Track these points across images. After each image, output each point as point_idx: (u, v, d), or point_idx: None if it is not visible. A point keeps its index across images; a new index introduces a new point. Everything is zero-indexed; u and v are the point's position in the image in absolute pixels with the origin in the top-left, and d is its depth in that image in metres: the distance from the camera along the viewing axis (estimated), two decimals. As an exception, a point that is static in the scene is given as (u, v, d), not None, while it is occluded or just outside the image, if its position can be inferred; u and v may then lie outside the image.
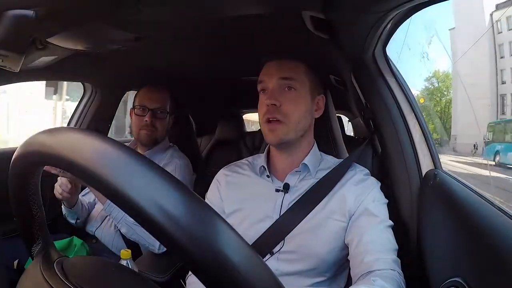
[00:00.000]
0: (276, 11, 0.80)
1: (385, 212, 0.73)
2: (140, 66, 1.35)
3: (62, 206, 1.15)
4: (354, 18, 0.69)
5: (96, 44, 0.94)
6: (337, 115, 1.06)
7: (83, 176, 0.26)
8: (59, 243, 1.04)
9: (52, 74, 1.24)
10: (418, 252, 0.75)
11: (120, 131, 5.19)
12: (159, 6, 0.74)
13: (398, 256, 0.67)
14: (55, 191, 1.06)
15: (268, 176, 0.80)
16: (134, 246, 1.11)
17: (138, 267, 0.87)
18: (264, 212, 0.77)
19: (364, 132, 1.89)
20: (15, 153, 0.33)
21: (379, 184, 0.78)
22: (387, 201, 0.76)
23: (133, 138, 1.32)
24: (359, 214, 0.72)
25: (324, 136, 0.94)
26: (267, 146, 0.84)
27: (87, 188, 1.25)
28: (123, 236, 1.14)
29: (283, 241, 0.73)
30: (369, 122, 1.06)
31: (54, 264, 0.37)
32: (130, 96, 1.91)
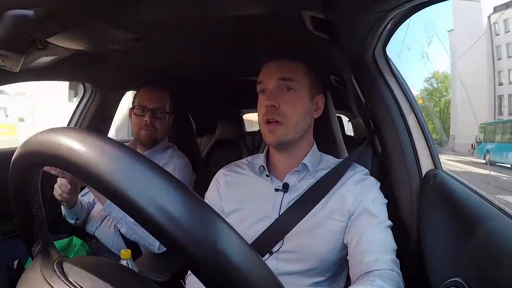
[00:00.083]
0: (276, 11, 0.80)
1: (385, 212, 0.73)
2: (140, 66, 1.35)
3: (62, 207, 1.15)
4: (354, 18, 0.70)
5: (96, 44, 0.94)
6: (337, 115, 1.06)
7: (83, 176, 0.26)
8: (59, 243, 1.04)
9: (52, 74, 1.24)
10: (418, 252, 0.75)
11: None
12: (159, 6, 0.74)
13: (398, 256, 0.67)
14: (54, 192, 1.05)
15: (267, 176, 0.80)
16: (134, 246, 1.11)
17: (138, 267, 0.87)
18: (264, 212, 0.77)
19: (364, 132, 1.89)
20: (15, 153, 0.33)
21: (379, 184, 0.78)
22: (386, 201, 0.76)
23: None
24: (358, 214, 0.72)
25: (324, 136, 0.94)
26: (267, 146, 0.84)
27: (86, 188, 1.25)
28: (123, 236, 1.14)
29: (282, 240, 0.73)
30: (369, 122, 1.06)
31: (54, 264, 0.37)
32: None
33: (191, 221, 0.23)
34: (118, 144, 0.26)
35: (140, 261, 1.09)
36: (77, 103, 1.54)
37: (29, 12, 0.63)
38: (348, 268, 0.72)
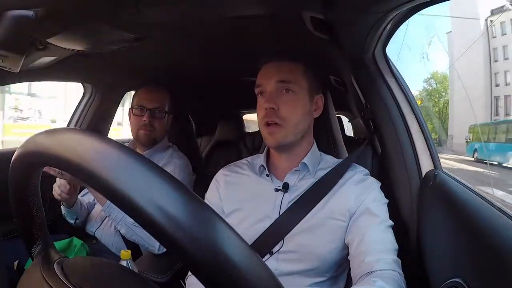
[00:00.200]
0: (276, 11, 0.80)
1: (386, 212, 0.73)
2: (140, 66, 1.35)
3: (61, 206, 1.15)
4: (354, 18, 0.70)
5: (96, 45, 0.94)
6: (337, 115, 1.06)
7: (82, 176, 0.26)
8: (59, 244, 1.04)
9: (52, 75, 1.24)
10: (418, 253, 0.75)
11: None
12: (159, 6, 0.74)
13: (398, 256, 0.67)
14: (53, 192, 1.05)
15: (267, 176, 0.80)
16: (134, 247, 1.11)
17: (138, 268, 0.87)
18: (264, 212, 0.77)
19: (364, 133, 1.89)
20: (15, 154, 0.33)
21: (379, 184, 0.78)
22: (387, 201, 0.76)
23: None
24: (359, 214, 0.72)
25: (324, 136, 0.94)
26: (267, 146, 0.84)
27: (86, 188, 1.25)
28: (123, 237, 1.14)
29: (282, 241, 0.73)
30: (369, 122, 1.06)
31: (54, 265, 0.37)
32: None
33: (191, 222, 0.23)
34: (118, 144, 0.26)
35: (140, 262, 1.09)
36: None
37: (29, 13, 0.63)
38: (349, 269, 0.71)
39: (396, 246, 0.68)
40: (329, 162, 0.82)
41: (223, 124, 2.01)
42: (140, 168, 0.25)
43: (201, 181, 1.37)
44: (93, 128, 1.50)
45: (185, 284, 0.80)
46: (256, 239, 0.74)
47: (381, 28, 0.71)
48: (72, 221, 1.17)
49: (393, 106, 0.90)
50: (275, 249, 0.73)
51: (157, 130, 1.25)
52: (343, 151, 0.96)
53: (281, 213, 0.75)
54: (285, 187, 0.77)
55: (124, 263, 0.77)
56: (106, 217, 1.17)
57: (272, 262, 0.72)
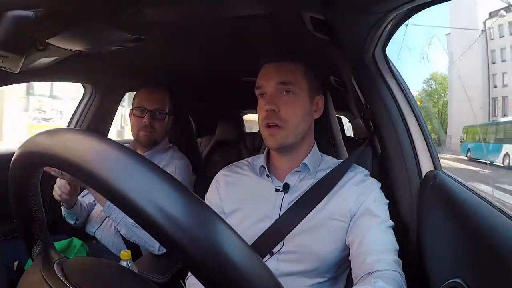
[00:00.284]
0: (276, 11, 0.80)
1: (386, 212, 0.73)
2: (140, 66, 1.35)
3: (61, 207, 1.15)
4: (354, 19, 0.70)
5: (96, 45, 0.94)
6: (337, 116, 1.06)
7: (83, 177, 0.26)
8: (59, 244, 1.04)
9: (52, 75, 1.24)
10: (418, 253, 0.75)
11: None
12: (159, 6, 0.74)
13: (398, 256, 0.67)
14: (54, 193, 1.05)
15: (268, 176, 0.80)
16: (134, 247, 1.11)
17: (138, 268, 0.87)
18: (264, 212, 0.76)
19: (364, 133, 1.89)
20: (15, 154, 0.33)
21: (380, 184, 0.78)
22: (387, 201, 0.76)
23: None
24: (360, 214, 0.72)
25: (324, 137, 0.94)
26: (267, 147, 0.84)
27: (86, 188, 1.25)
28: (123, 237, 1.14)
29: (282, 241, 0.73)
30: (369, 123, 1.06)
31: (54, 265, 0.37)
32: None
33: (191, 222, 0.23)
34: (118, 145, 0.26)
35: (140, 262, 1.09)
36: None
37: (29, 13, 0.63)
38: (349, 269, 0.71)
39: (397, 247, 0.68)
40: (330, 162, 0.82)
41: (223, 125, 2.01)
42: (140, 169, 0.25)
43: (201, 182, 1.37)
44: (93, 129, 1.50)
45: (185, 285, 0.80)
46: (257, 239, 0.74)
47: (381, 29, 0.71)
48: (72, 222, 1.17)
49: (393, 106, 0.90)
50: (276, 249, 0.73)
51: (158, 131, 1.25)
52: (343, 151, 0.96)
53: (281, 214, 0.75)
54: (286, 188, 0.77)
55: (124, 263, 0.77)
56: (106, 217, 1.17)
57: (272, 263, 0.72)
